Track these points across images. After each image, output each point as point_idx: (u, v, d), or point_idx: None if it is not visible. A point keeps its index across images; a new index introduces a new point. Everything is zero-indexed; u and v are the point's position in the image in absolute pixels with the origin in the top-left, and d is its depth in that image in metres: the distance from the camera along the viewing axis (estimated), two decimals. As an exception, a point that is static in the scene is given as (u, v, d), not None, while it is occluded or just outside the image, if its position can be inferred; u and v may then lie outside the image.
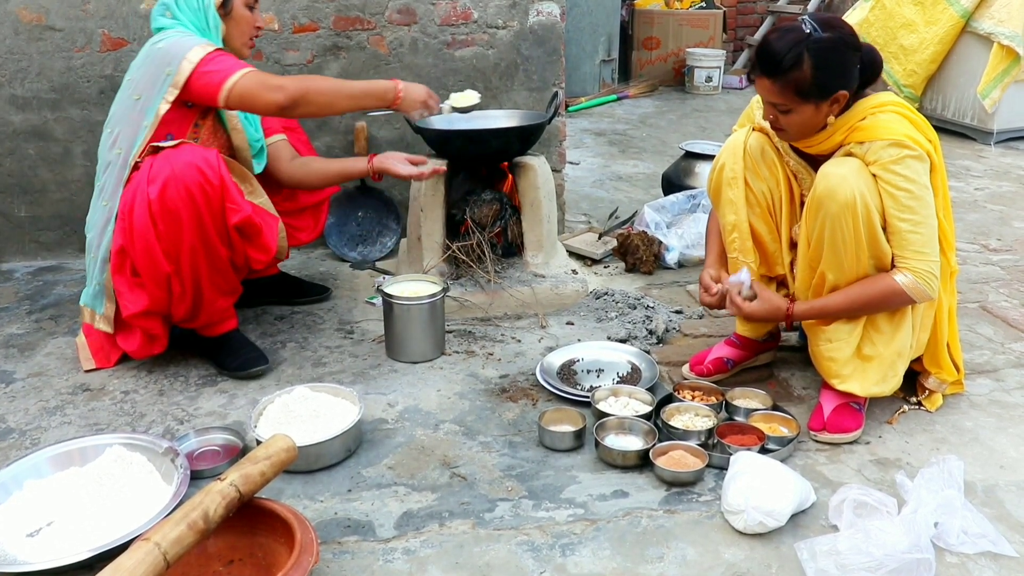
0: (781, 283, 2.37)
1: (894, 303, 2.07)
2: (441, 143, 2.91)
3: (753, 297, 2.18)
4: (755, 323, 2.38)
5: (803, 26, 1.97)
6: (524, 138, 2.90)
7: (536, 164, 2.91)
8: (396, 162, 2.61)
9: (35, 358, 2.63)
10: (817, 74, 1.94)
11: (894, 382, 2.16)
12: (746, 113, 2.36)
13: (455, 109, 2.70)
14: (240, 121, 2.56)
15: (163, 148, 2.27)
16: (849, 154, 2.04)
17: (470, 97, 2.71)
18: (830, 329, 2.14)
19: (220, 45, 2.44)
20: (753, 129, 2.27)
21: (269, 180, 2.68)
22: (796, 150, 2.21)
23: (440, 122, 3.04)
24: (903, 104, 2.07)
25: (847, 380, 2.14)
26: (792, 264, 2.28)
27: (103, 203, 2.40)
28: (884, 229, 2.03)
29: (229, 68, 2.32)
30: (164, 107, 2.33)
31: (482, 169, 3.01)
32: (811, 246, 2.11)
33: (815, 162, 2.17)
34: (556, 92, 3.13)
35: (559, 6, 3.30)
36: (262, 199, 2.48)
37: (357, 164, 2.67)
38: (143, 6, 3.13)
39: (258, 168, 2.65)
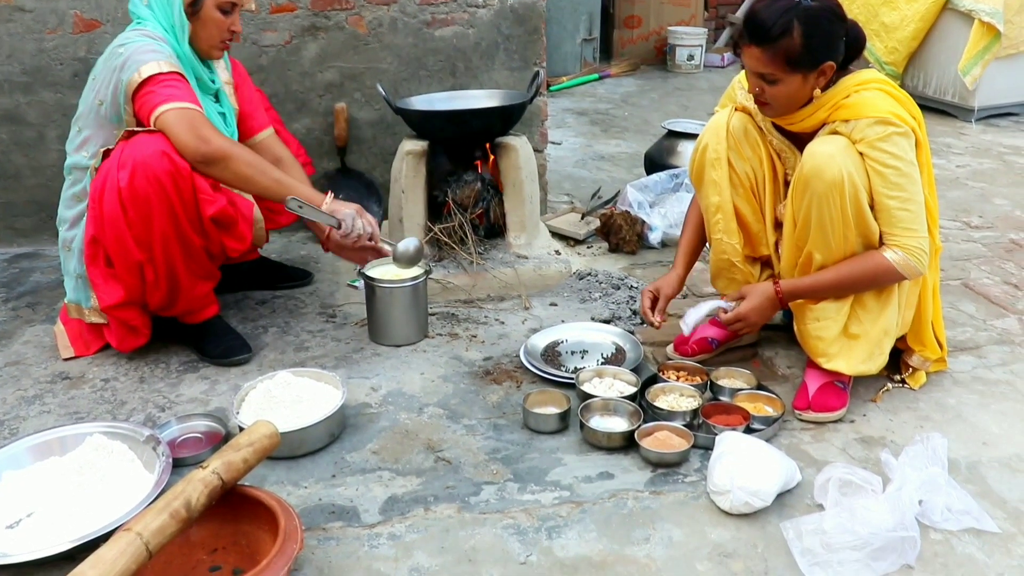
0: (766, 263, 2.37)
1: (884, 280, 2.07)
2: (422, 123, 2.89)
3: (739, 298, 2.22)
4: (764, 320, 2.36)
5: None
6: (505, 118, 2.88)
7: (518, 144, 2.89)
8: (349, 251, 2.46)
9: (12, 347, 2.59)
10: (807, 43, 1.92)
11: (880, 360, 2.16)
12: (728, 93, 2.34)
13: (396, 260, 2.47)
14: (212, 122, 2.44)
15: (136, 133, 2.23)
16: (834, 132, 2.03)
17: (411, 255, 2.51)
18: (818, 308, 2.14)
19: (183, 47, 2.36)
20: (736, 109, 2.25)
21: None
22: (779, 129, 2.20)
23: (421, 102, 3.02)
24: (887, 81, 2.06)
25: (834, 359, 2.14)
26: (777, 244, 2.28)
27: (73, 200, 2.38)
28: (871, 207, 2.02)
29: (167, 97, 2.20)
30: (130, 114, 2.28)
31: (463, 149, 2.97)
32: (798, 226, 2.10)
33: (798, 141, 2.16)
34: (537, 71, 3.09)
35: (539, -16, 3.27)
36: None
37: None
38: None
39: None
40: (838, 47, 2.00)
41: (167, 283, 2.31)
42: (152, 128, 2.20)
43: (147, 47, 2.28)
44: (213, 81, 2.51)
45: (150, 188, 2.16)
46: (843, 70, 2.06)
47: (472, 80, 3.34)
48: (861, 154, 1.99)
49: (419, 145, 2.84)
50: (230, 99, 2.59)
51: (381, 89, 2.89)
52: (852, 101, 2.01)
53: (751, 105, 2.18)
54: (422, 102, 3.03)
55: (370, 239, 2.37)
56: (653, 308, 2.35)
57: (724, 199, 2.25)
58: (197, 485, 1.60)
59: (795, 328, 2.24)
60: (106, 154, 2.26)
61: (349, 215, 2.35)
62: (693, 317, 2.26)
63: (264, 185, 2.27)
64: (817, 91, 2.02)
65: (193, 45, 2.39)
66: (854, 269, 2.06)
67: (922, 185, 2.06)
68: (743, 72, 2.15)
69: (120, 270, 2.28)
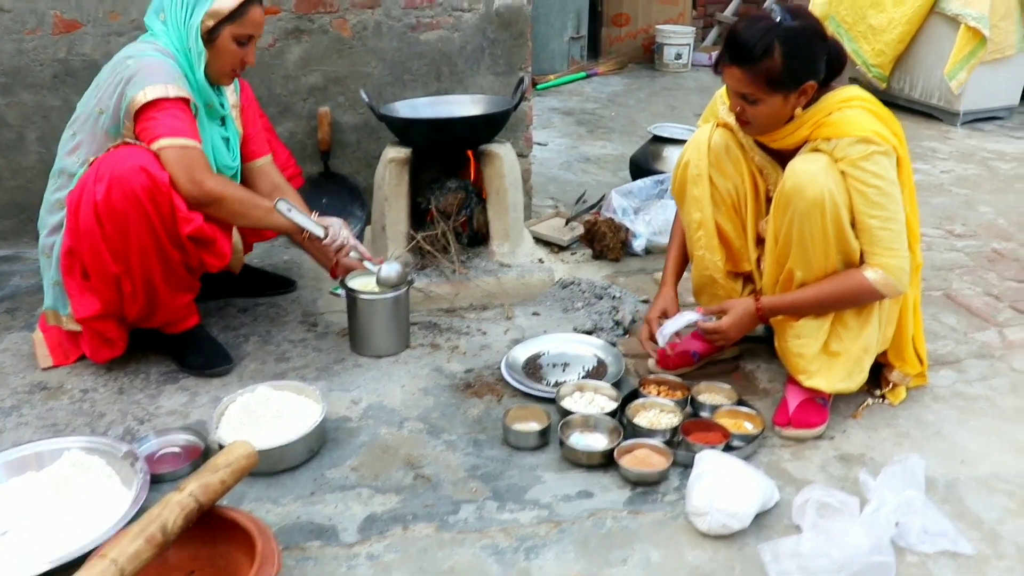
0: (748, 279, 2.37)
1: (864, 299, 2.08)
2: (405, 131, 2.87)
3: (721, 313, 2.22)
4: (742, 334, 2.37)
5: (772, 14, 1.96)
6: (490, 126, 2.87)
7: (502, 152, 2.87)
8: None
9: (-10, 355, 2.58)
10: (788, 63, 1.93)
11: (860, 378, 2.17)
12: (710, 108, 2.34)
13: (379, 284, 2.50)
14: (209, 144, 2.41)
15: (118, 144, 2.21)
16: (816, 150, 2.03)
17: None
18: (799, 325, 2.14)
19: (197, 74, 2.32)
20: (717, 125, 2.25)
21: None
22: (761, 145, 2.20)
23: (404, 108, 3.00)
24: (869, 98, 2.06)
25: (814, 376, 2.14)
26: (759, 261, 2.28)
27: (57, 206, 2.34)
28: (852, 226, 2.03)
29: (169, 131, 2.19)
30: (129, 129, 2.25)
31: (447, 156, 2.96)
32: (779, 243, 2.10)
33: (780, 158, 2.16)
34: (522, 78, 3.08)
35: (525, -11, 3.25)
36: None
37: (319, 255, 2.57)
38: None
39: None
40: (819, 66, 2.00)
41: (145, 296, 2.29)
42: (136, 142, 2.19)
43: (157, 65, 2.25)
44: (222, 105, 2.49)
45: (127, 203, 2.14)
46: (825, 87, 2.06)
47: (457, 84, 3.32)
48: (843, 173, 1.99)
49: (402, 152, 2.83)
50: (236, 123, 2.57)
51: (365, 95, 2.88)
52: (834, 119, 2.01)
53: (733, 121, 2.17)
54: (406, 108, 3.01)
55: (357, 256, 2.46)
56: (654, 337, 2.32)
57: (706, 216, 2.25)
58: (174, 508, 1.59)
59: (776, 344, 2.25)
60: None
61: (336, 222, 2.42)
62: (670, 328, 2.25)
63: (256, 217, 2.34)
64: (798, 109, 2.03)
65: (205, 71, 2.35)
66: (834, 287, 2.07)
67: (903, 203, 2.06)
68: (725, 87, 2.14)
69: (96, 282, 2.26)
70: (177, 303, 2.38)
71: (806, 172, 1.99)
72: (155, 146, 2.18)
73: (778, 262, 2.14)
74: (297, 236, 2.41)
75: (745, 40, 1.93)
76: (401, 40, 3.25)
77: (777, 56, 1.91)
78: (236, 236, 2.48)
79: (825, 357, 2.14)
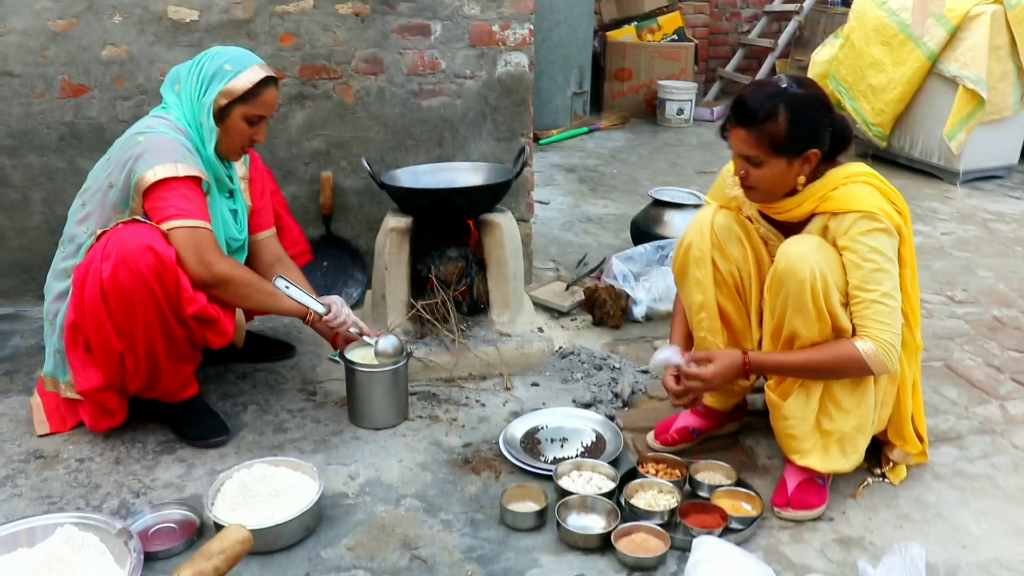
0: None
1: (851, 370, 2.06)
2: (406, 199, 2.89)
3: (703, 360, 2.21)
4: (724, 388, 2.36)
5: (779, 82, 2.02)
6: (490, 196, 2.88)
7: (502, 222, 2.89)
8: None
9: (-13, 420, 2.57)
10: (792, 128, 1.97)
11: (855, 458, 2.16)
12: (717, 184, 2.35)
13: (376, 356, 2.51)
14: (219, 218, 2.45)
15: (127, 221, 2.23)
16: (824, 227, 2.05)
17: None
18: (785, 406, 2.14)
19: (208, 149, 2.36)
20: (720, 207, 2.26)
21: None
22: (767, 218, 2.21)
23: (406, 178, 3.02)
24: (875, 175, 2.09)
25: (807, 455, 2.14)
26: (760, 340, 2.27)
27: (64, 275, 2.35)
28: (847, 305, 2.03)
29: (179, 212, 2.22)
30: (138, 204, 2.28)
31: (448, 225, 2.97)
32: (774, 320, 2.11)
33: (785, 230, 2.18)
34: (523, 147, 3.11)
35: (527, 56, 3.29)
36: None
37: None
38: (105, 51, 3.08)
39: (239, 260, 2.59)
40: (823, 137, 2.04)
41: (147, 371, 2.30)
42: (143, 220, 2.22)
43: (167, 143, 2.27)
44: (231, 178, 2.51)
45: (133, 283, 2.15)
46: (831, 162, 2.09)
47: (458, 150, 3.35)
48: (843, 248, 2.01)
49: (403, 222, 2.84)
50: (244, 195, 2.60)
51: (366, 164, 2.90)
52: (839, 194, 2.03)
53: (740, 194, 2.19)
54: (407, 175, 3.04)
55: (357, 331, 2.49)
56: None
57: (708, 298, 2.26)
58: (165, 599, 1.58)
59: (771, 423, 2.24)
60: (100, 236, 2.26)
61: (337, 300, 2.46)
62: (660, 359, 2.26)
63: (261, 301, 2.39)
64: (801, 178, 2.05)
65: (215, 147, 2.38)
66: (822, 354, 2.05)
67: (905, 281, 2.08)
68: (731, 163, 2.18)
69: (99, 357, 2.27)
70: (179, 376, 2.38)
71: (797, 253, 2.01)
72: (165, 227, 2.21)
73: (774, 339, 2.14)
74: (302, 319, 2.45)
75: (751, 103, 1.99)
76: (404, 106, 3.28)
77: (782, 120, 1.96)
78: (239, 313, 2.48)
79: (818, 436, 2.14)
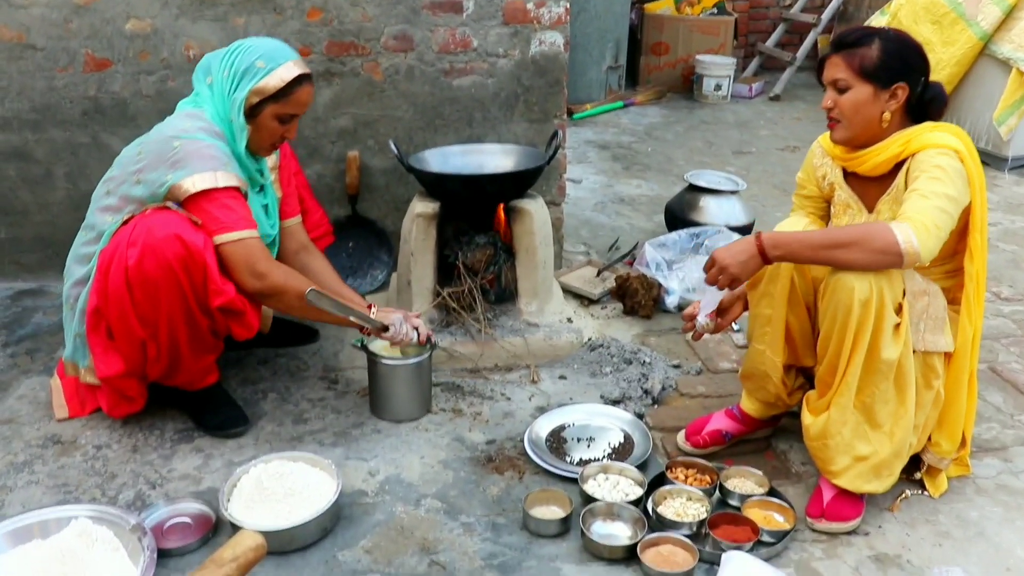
0: (803, 372, 2.30)
1: (877, 247, 1.86)
2: (435, 185, 2.80)
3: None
4: (764, 399, 2.30)
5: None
6: (521, 182, 2.79)
7: (532, 209, 2.80)
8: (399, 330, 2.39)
9: (7, 401, 2.54)
10: (883, 56, 1.99)
11: (889, 481, 2.07)
12: (806, 163, 2.31)
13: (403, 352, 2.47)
14: (254, 214, 2.36)
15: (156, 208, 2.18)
16: (905, 174, 2.01)
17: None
18: (817, 424, 2.05)
19: (239, 146, 2.27)
20: (806, 216, 2.25)
21: None
22: (848, 179, 2.18)
23: (435, 160, 2.93)
24: (963, 132, 2.04)
25: (839, 476, 2.05)
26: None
27: (88, 261, 2.29)
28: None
29: (224, 226, 2.16)
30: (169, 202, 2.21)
31: (477, 211, 2.89)
32: (822, 332, 2.02)
33: (866, 196, 2.15)
34: (556, 131, 3.01)
35: (563, 36, 3.17)
36: None
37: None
38: (129, 24, 3.00)
39: None
40: (914, 75, 2.02)
41: (169, 359, 2.26)
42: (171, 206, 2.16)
43: (205, 150, 2.19)
44: (262, 172, 2.44)
45: (160, 272, 2.10)
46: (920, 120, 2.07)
47: (489, 131, 3.25)
48: (911, 175, 1.99)
49: (430, 207, 2.76)
50: (274, 187, 2.53)
51: (394, 147, 2.81)
52: (924, 137, 2.01)
53: (829, 171, 2.21)
54: (436, 157, 2.95)
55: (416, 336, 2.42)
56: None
57: (777, 315, 2.17)
58: (174, 609, 1.53)
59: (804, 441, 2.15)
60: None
61: (397, 319, 2.36)
62: (707, 306, 2.22)
63: (317, 314, 2.28)
64: (887, 115, 2.02)
65: (245, 144, 2.31)
66: (850, 230, 1.95)
67: (975, 247, 2.03)
68: (820, 139, 2.25)
69: (121, 343, 2.22)
70: (200, 365, 2.34)
71: (849, 276, 1.92)
72: (215, 240, 2.16)
73: (823, 347, 2.04)
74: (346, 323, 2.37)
75: (848, 33, 2.06)
76: (434, 85, 3.19)
77: (875, 48, 2.00)
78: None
79: (852, 459, 2.04)
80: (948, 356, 2.09)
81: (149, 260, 2.10)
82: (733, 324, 2.33)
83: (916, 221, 1.87)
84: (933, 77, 2.07)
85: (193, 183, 2.14)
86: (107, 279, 2.15)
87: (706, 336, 2.37)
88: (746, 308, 2.28)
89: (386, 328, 2.33)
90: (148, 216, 2.16)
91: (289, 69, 2.26)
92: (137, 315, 2.16)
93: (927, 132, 2.01)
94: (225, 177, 2.18)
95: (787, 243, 1.98)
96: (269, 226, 2.46)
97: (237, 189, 2.22)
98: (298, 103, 2.30)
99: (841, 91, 2.03)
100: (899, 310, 1.95)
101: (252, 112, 2.26)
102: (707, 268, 2.08)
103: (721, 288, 2.09)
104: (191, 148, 2.17)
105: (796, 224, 2.23)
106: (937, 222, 1.88)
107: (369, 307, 2.38)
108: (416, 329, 2.40)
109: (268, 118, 2.28)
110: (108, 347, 2.26)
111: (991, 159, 5.11)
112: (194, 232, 2.13)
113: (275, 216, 2.51)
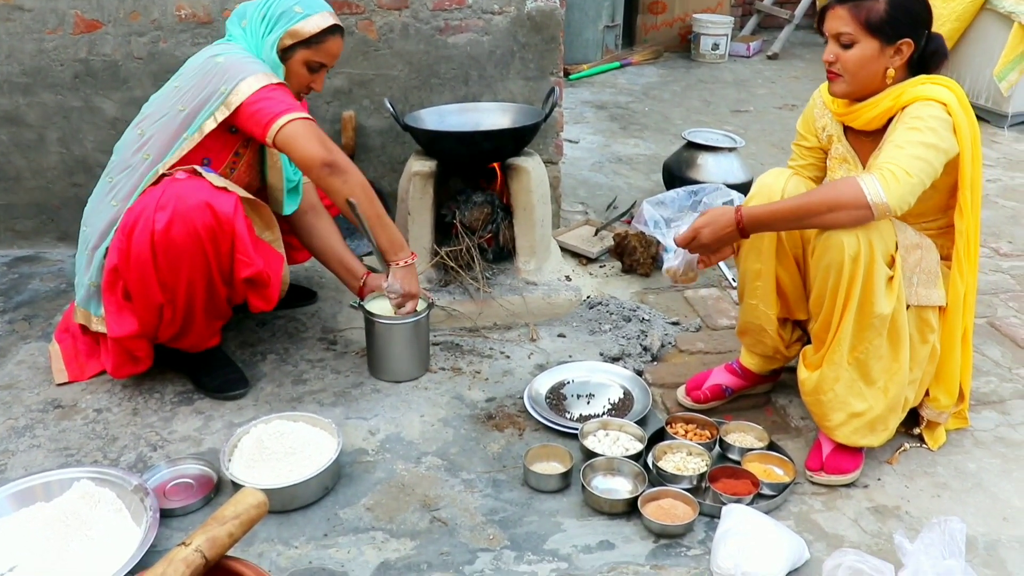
0: (799, 325, 2.30)
1: (843, 203, 1.86)
2: (430, 142, 2.78)
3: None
4: (763, 353, 2.30)
5: None
6: (518, 139, 2.77)
7: (530, 167, 2.78)
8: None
9: (6, 367, 2.54)
10: (890, 10, 1.93)
11: (885, 436, 2.07)
12: (805, 112, 2.28)
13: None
14: (280, 159, 2.41)
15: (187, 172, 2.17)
16: (895, 127, 1.97)
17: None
18: (811, 379, 2.06)
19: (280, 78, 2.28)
20: (793, 173, 2.18)
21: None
22: (847, 133, 2.15)
23: (431, 119, 2.91)
24: (960, 91, 2.00)
25: (835, 431, 2.06)
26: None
27: (111, 202, 2.27)
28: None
29: (288, 107, 2.16)
30: (210, 125, 2.19)
31: (474, 169, 2.87)
32: (814, 292, 2.01)
33: (862, 151, 2.12)
34: (553, 88, 2.98)
35: (558, -9, 3.13)
36: (271, 234, 2.33)
37: (352, 273, 2.59)
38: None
39: (289, 209, 2.51)
40: (919, 31, 1.98)
41: (182, 322, 2.26)
42: (270, 142, 2.16)
43: (247, 60, 2.23)
44: None
45: (187, 240, 2.09)
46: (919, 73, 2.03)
47: (486, 89, 3.22)
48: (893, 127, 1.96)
49: (427, 166, 2.74)
50: None
51: (389, 105, 2.79)
52: (918, 89, 1.97)
53: (828, 123, 2.17)
54: (432, 116, 2.92)
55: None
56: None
57: (767, 268, 2.16)
58: (179, 566, 1.52)
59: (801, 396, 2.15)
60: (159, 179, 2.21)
61: (398, 289, 2.36)
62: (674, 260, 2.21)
63: (369, 211, 2.25)
64: (891, 72, 1.98)
65: None
66: (816, 194, 1.93)
67: (966, 204, 2.00)
68: (820, 88, 2.20)
69: (138, 306, 2.21)
70: (209, 329, 2.34)
71: (837, 232, 1.91)
72: (278, 123, 2.14)
73: (816, 305, 2.04)
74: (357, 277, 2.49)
75: None
76: (429, 43, 3.15)
77: (882, 2, 1.93)
78: (286, 271, 2.39)
79: (847, 414, 2.04)
80: (942, 311, 2.09)
81: (178, 226, 2.08)
82: (731, 279, 2.32)
83: (884, 170, 1.85)
84: None
85: (249, 85, 2.16)
86: (131, 240, 2.13)
87: (703, 292, 2.36)
88: (735, 253, 2.26)
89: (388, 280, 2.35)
90: (179, 181, 2.14)
91: (324, 18, 2.32)
92: (159, 280, 2.15)
93: (918, 85, 1.98)
94: (272, 76, 2.22)
95: (766, 220, 1.99)
96: (292, 171, 2.48)
97: (286, 86, 2.25)
98: (328, 53, 2.35)
99: (845, 46, 1.98)
100: (892, 263, 1.94)
101: (283, 56, 2.30)
102: (685, 240, 2.10)
103: (692, 253, 2.10)
104: (235, 59, 2.22)
105: (777, 179, 2.16)
106: (909, 169, 1.84)
107: (366, 273, 2.45)
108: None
109: (298, 63, 2.32)
110: (123, 307, 2.25)
111: (991, 115, 5.08)
112: (224, 200, 2.13)
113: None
